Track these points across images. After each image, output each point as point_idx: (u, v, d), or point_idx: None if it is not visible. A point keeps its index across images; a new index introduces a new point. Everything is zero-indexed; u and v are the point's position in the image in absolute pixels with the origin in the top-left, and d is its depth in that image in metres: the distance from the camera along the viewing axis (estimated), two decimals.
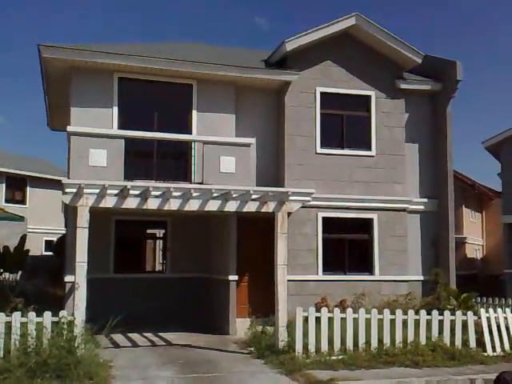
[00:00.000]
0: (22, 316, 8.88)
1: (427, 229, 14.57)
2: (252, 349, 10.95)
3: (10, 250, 17.63)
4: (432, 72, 14.96)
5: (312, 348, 9.99)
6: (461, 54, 67.51)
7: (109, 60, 12.50)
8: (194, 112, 13.30)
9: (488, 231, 30.07)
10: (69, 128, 12.33)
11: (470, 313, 10.97)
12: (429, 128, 14.96)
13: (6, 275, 17.32)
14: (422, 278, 14.29)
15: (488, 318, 11.09)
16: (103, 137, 12.23)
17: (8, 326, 8.72)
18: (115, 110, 12.75)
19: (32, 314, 8.93)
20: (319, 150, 13.86)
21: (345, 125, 14.19)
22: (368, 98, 14.34)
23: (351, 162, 14.04)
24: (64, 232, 17.39)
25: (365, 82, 14.31)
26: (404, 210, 14.24)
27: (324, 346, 10.06)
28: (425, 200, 14.66)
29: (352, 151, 14.10)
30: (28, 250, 18.68)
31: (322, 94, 14.01)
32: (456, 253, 14.78)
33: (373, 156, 14.21)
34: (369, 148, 14.23)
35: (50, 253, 24.21)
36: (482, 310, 11.30)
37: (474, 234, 28.91)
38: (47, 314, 8.97)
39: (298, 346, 9.95)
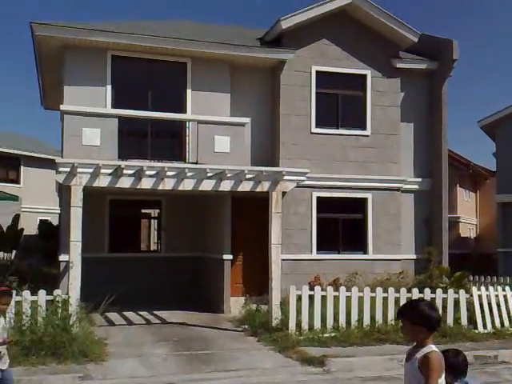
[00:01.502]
0: (17, 295, 8.92)
1: (421, 208, 14.64)
2: (246, 326, 11.06)
3: (4, 230, 17.62)
4: (428, 51, 14.88)
5: (305, 325, 10.10)
6: (458, 34, 67.07)
7: (102, 38, 12.37)
8: (189, 91, 13.21)
9: (482, 210, 30.22)
10: (62, 107, 12.24)
11: (461, 291, 11.08)
12: (424, 107, 14.93)
13: (1, 254, 17.34)
14: (414, 256, 14.40)
15: (480, 296, 11.20)
16: (96, 116, 12.14)
17: None
18: (108, 88, 12.65)
19: (27, 293, 8.97)
20: (314, 130, 13.82)
21: (340, 104, 14.14)
22: (364, 77, 14.27)
23: (346, 141, 14.02)
24: (58, 211, 17.38)
25: (361, 60, 14.22)
26: (398, 189, 14.28)
27: (317, 324, 10.16)
28: (419, 179, 14.70)
29: (347, 131, 14.08)
30: (23, 229, 18.68)
31: (318, 72, 13.92)
32: (449, 232, 14.89)
33: (368, 135, 14.19)
34: (364, 127, 14.21)
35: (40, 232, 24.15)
36: (474, 288, 11.42)
37: (468, 214, 29.05)
38: (42, 293, 9.02)
39: (292, 324, 10.05)
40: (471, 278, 14.03)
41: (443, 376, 3.48)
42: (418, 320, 3.50)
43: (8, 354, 5.74)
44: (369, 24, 14.24)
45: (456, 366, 3.84)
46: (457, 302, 10.92)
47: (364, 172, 14.00)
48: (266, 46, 13.79)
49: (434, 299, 10.77)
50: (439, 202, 14.47)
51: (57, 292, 9.26)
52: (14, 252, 17.88)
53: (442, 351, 3.93)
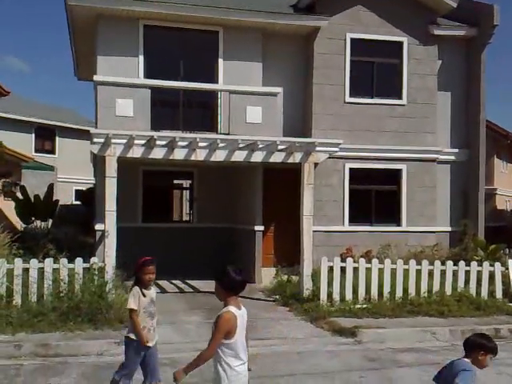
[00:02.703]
0: (54, 262, 9.15)
1: (457, 179, 14.32)
2: (277, 297, 11.15)
3: (41, 199, 18.02)
4: (467, 17, 14.31)
5: (336, 297, 10.11)
6: None
7: (134, 7, 12.30)
8: (220, 60, 13.09)
9: None
10: (95, 77, 12.30)
11: (497, 264, 10.90)
12: (462, 76, 14.46)
13: (38, 223, 17.78)
14: (450, 229, 14.15)
15: None
16: (129, 86, 12.17)
17: (41, 271, 9.01)
18: (141, 58, 12.64)
19: (64, 261, 9.19)
20: (348, 99, 13.56)
21: (375, 73, 13.81)
22: (400, 44, 13.86)
23: (381, 111, 13.73)
24: (93, 182, 17.69)
25: (397, 27, 13.80)
26: (434, 160, 13.98)
27: (348, 295, 10.15)
28: (455, 150, 14.34)
29: (382, 100, 13.77)
30: (58, 200, 19.07)
31: (353, 40, 13.59)
32: (486, 204, 14.54)
33: (404, 105, 13.86)
34: (400, 97, 13.87)
35: (80, 202, 24.71)
36: (510, 261, 11.21)
37: (505, 185, 28.34)
38: (79, 260, 9.22)
39: (323, 295, 10.07)
40: (507, 251, 13.74)
41: (234, 337, 3.71)
42: (219, 280, 3.81)
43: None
44: None
45: (495, 348, 3.93)
46: (492, 275, 10.76)
47: (399, 143, 13.72)
48: (299, 12, 13.49)
49: (468, 272, 10.64)
50: (476, 174, 14.13)
51: (93, 260, 9.45)
52: (51, 221, 18.30)
53: (477, 334, 3.96)
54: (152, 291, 5.37)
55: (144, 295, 5.21)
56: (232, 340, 3.72)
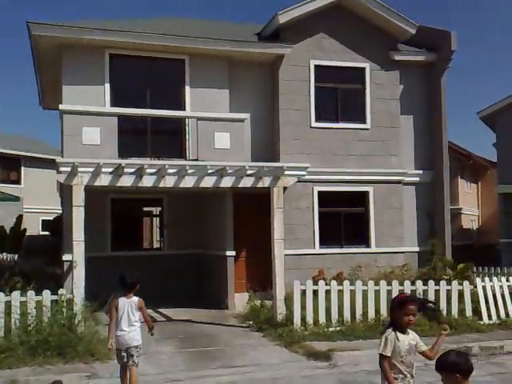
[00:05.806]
0: (22, 295, 8.91)
1: (423, 200, 14.62)
2: (251, 322, 11.07)
3: (6, 231, 17.61)
4: (426, 43, 14.84)
5: (310, 320, 10.10)
6: (456, 24, 66.85)
7: (99, 36, 12.33)
8: (187, 88, 13.18)
9: (483, 201, 30.22)
10: (61, 106, 12.22)
11: (465, 282, 11.07)
12: (423, 99, 14.89)
13: (4, 255, 17.34)
14: (417, 249, 14.38)
15: (484, 287, 11.20)
16: (96, 115, 12.12)
17: (8, 305, 8.76)
18: (107, 87, 12.62)
19: (31, 293, 8.97)
20: (314, 124, 13.79)
21: (339, 98, 14.10)
22: (362, 70, 14.23)
23: (346, 135, 13.99)
24: (60, 211, 17.39)
25: (359, 54, 14.18)
26: (399, 182, 14.26)
27: (322, 318, 10.16)
28: (420, 172, 14.67)
29: (347, 124, 14.05)
30: (25, 230, 18.66)
31: (316, 66, 13.89)
32: (452, 223, 14.88)
33: (368, 129, 14.16)
34: (364, 121, 14.18)
35: (47, 232, 24.21)
36: (478, 280, 11.41)
37: (470, 205, 29.04)
38: (46, 293, 9.01)
39: (296, 319, 10.06)
40: (475, 270, 14.02)
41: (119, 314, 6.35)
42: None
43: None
44: (366, 17, 14.19)
45: (470, 368, 3.70)
46: (461, 294, 10.92)
47: (365, 165, 13.98)
48: (263, 41, 13.74)
49: (438, 291, 10.79)
50: (441, 194, 14.46)
51: (61, 292, 9.24)
52: (18, 253, 17.87)
53: (448, 352, 3.75)
54: (410, 336, 4.50)
55: (398, 339, 4.39)
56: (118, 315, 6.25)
